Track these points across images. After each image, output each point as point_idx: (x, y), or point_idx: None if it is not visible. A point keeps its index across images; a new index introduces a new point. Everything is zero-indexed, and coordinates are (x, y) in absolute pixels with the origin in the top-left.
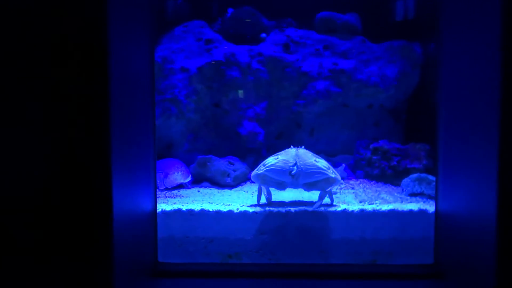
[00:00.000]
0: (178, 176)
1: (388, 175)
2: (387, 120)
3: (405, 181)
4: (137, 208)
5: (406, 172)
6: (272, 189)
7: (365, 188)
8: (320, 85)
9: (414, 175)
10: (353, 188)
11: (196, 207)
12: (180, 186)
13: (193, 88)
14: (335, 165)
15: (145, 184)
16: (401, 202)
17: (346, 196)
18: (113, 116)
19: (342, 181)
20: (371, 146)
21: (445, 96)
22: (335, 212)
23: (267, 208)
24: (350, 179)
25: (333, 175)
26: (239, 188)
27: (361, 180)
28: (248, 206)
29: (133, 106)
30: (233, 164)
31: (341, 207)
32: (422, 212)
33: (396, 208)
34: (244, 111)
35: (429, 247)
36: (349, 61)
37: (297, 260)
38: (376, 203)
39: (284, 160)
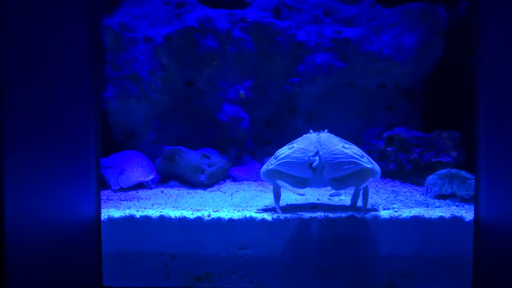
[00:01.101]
0: (138, 173)
1: (407, 172)
2: (403, 104)
3: (431, 179)
4: (65, 216)
5: (431, 168)
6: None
7: (377, 188)
8: (319, 58)
9: (443, 171)
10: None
11: (155, 213)
12: (140, 186)
13: (158, 62)
14: None
15: (81, 185)
16: (427, 206)
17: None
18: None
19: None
20: (384, 135)
21: (487, 72)
22: (355, 218)
23: (262, 217)
24: None
25: (369, 165)
26: (215, 187)
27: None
28: (226, 211)
29: (53, 85)
30: (208, 158)
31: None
32: (455, 220)
33: (420, 214)
34: (224, 91)
35: (466, 267)
36: (355, 29)
37: (287, 284)
38: (393, 208)
39: (302, 149)
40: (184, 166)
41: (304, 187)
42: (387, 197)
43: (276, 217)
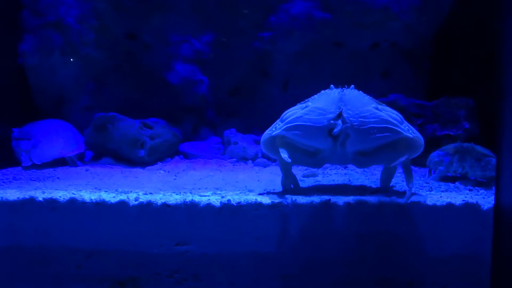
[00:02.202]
0: (57, 146)
1: None
2: (403, 69)
3: (435, 155)
4: None
5: (435, 143)
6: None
7: (365, 169)
8: (296, 7)
9: (451, 146)
10: (345, 167)
11: (65, 195)
12: (61, 163)
13: (92, 6)
14: None
15: None
16: (430, 190)
17: (334, 180)
18: None
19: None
20: None
21: None
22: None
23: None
24: None
25: (410, 135)
26: (158, 166)
27: None
28: (162, 194)
29: None
30: (151, 128)
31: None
32: (469, 207)
33: (422, 200)
34: (176, 46)
35: (482, 268)
36: None
37: None
38: (387, 193)
39: (319, 108)
40: (118, 138)
41: (318, 164)
42: (377, 179)
43: (226, 202)
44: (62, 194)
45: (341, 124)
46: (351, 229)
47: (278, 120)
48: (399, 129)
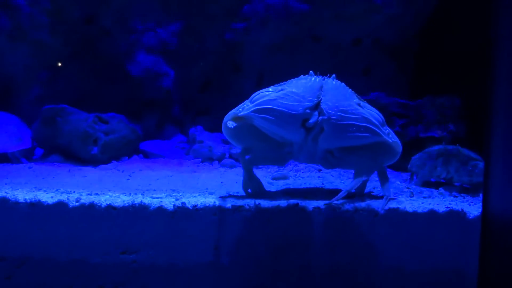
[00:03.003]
0: None
1: None
2: (385, 66)
3: (418, 158)
4: None
5: (418, 145)
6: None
7: (341, 172)
8: None
9: (434, 148)
10: (320, 171)
11: None
12: (4, 159)
13: None
14: None
15: None
16: (411, 196)
17: (306, 184)
18: None
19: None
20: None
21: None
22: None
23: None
24: None
25: (389, 139)
26: (112, 165)
27: None
28: (109, 195)
29: None
30: (106, 123)
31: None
32: (453, 215)
33: (401, 206)
34: (138, 34)
35: (467, 285)
36: None
37: None
38: (362, 198)
39: (296, 94)
40: (68, 133)
41: (283, 160)
42: (354, 184)
43: (180, 205)
44: None
45: (318, 116)
46: (321, 237)
47: (247, 101)
48: (380, 132)
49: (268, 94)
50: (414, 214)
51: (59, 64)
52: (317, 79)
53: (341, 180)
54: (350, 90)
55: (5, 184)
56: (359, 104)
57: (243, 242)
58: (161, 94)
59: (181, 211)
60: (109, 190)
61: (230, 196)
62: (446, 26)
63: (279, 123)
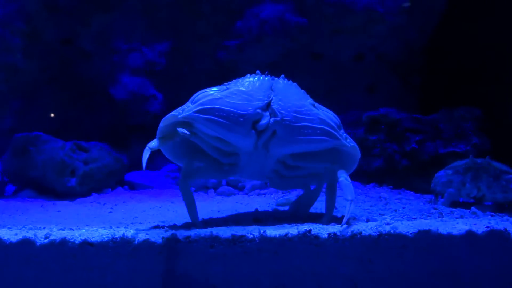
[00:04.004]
0: None
1: (401, 170)
2: (390, 81)
3: (442, 176)
4: None
5: (439, 162)
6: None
7: (357, 194)
8: (267, 11)
9: (461, 162)
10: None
11: None
12: None
13: (20, 6)
14: None
15: None
16: (441, 217)
17: (315, 209)
18: None
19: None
20: (364, 117)
21: None
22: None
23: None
24: None
25: (350, 143)
26: (92, 197)
27: None
28: (86, 230)
29: None
30: (86, 151)
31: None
32: (494, 236)
33: (432, 227)
34: (122, 54)
35: None
36: None
37: None
38: (383, 219)
39: (244, 93)
40: (43, 163)
41: (227, 173)
42: (371, 206)
43: (172, 237)
44: None
45: (269, 116)
46: (341, 271)
47: (188, 102)
48: (338, 135)
49: (212, 93)
50: (449, 237)
51: (34, 91)
52: (266, 78)
53: (356, 203)
54: (303, 90)
55: None
56: (313, 105)
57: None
58: (149, 119)
59: (171, 245)
60: (86, 225)
61: (230, 224)
62: (453, 37)
63: (227, 125)
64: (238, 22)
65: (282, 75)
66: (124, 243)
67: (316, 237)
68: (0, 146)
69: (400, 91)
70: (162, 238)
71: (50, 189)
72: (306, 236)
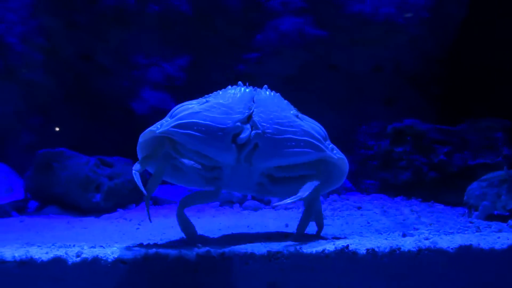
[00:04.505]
0: None
1: (430, 182)
2: (408, 93)
3: (476, 188)
4: None
5: (468, 175)
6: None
7: (384, 208)
8: (286, 24)
9: (495, 174)
10: (360, 208)
11: None
12: None
13: (39, 23)
14: None
15: None
16: (477, 231)
17: (347, 224)
18: None
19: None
20: (389, 128)
21: None
22: (326, 254)
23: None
24: (351, 194)
25: (336, 155)
26: (118, 213)
27: (374, 195)
28: (117, 247)
29: None
30: (110, 166)
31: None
32: None
33: (475, 244)
34: (141, 69)
35: None
36: None
37: None
38: (422, 233)
39: (224, 105)
40: (67, 180)
41: (213, 195)
42: (404, 220)
43: (206, 254)
44: None
45: (250, 130)
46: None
47: (167, 116)
48: (323, 147)
49: (191, 107)
50: (492, 252)
51: (52, 107)
52: (247, 89)
53: (387, 216)
54: (286, 101)
55: None
56: (297, 116)
57: None
58: None
59: (206, 261)
60: (115, 242)
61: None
62: (474, 47)
63: (206, 140)
64: (257, 35)
65: (265, 86)
66: (158, 260)
67: (354, 253)
68: (19, 162)
69: (419, 102)
70: (196, 254)
71: (75, 205)
72: (343, 252)
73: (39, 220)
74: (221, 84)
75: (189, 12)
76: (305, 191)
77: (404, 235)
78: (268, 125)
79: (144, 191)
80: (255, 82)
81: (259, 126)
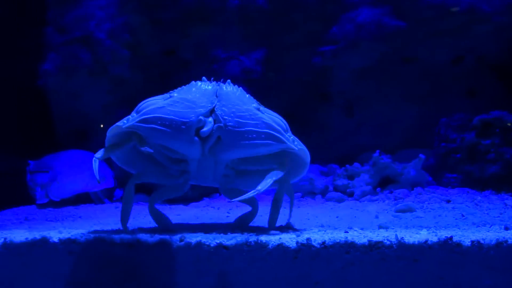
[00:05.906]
0: (79, 180)
1: None
2: (491, 85)
3: None
4: None
5: None
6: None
7: (475, 202)
8: (364, 14)
9: None
10: (449, 202)
11: (87, 235)
12: (84, 200)
13: (125, 20)
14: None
15: None
16: None
17: (440, 216)
18: None
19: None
20: (475, 121)
21: None
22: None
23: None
24: (435, 188)
25: (297, 146)
26: (204, 202)
27: (459, 189)
28: (217, 233)
29: None
30: None
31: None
32: None
33: None
34: (221, 63)
35: None
36: None
37: None
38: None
39: (187, 100)
40: None
41: (181, 188)
42: (500, 214)
43: (306, 242)
44: (82, 234)
45: (213, 123)
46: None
47: (133, 111)
48: (283, 138)
49: (155, 102)
50: None
51: (138, 101)
52: (211, 85)
53: (481, 210)
54: (249, 95)
55: (94, 225)
56: (258, 109)
57: None
58: None
59: (304, 250)
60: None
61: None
62: None
63: (170, 134)
64: (333, 27)
65: (228, 80)
66: (258, 247)
67: (458, 244)
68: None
69: (502, 94)
70: (297, 242)
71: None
72: (447, 243)
73: (134, 206)
74: (294, 77)
75: (266, 6)
76: (264, 185)
77: (506, 228)
78: (229, 118)
79: (99, 179)
80: (330, 75)
81: (221, 119)
